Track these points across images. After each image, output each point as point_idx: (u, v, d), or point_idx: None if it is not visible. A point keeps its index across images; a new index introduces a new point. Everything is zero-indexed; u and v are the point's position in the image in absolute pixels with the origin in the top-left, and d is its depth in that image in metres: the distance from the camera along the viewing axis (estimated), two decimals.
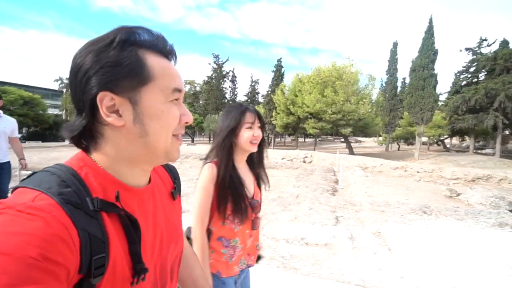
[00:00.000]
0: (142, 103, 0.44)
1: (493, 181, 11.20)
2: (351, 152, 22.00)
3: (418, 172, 12.46)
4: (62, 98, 39.45)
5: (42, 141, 24.10)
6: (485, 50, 24.04)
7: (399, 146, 34.33)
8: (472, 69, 24.29)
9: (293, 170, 12.15)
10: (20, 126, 25.76)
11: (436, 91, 18.32)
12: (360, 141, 48.86)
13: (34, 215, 0.35)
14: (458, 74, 25.32)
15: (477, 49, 24.33)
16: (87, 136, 0.46)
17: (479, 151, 27.40)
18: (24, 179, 0.42)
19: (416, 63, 18.28)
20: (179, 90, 0.48)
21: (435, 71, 18.05)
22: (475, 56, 23.87)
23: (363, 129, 19.49)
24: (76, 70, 0.42)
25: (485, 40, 23.91)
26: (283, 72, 29.29)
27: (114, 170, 0.47)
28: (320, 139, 53.37)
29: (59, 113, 38.79)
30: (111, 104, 0.43)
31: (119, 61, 0.42)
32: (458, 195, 8.36)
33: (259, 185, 1.26)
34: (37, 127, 28.42)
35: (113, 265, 0.41)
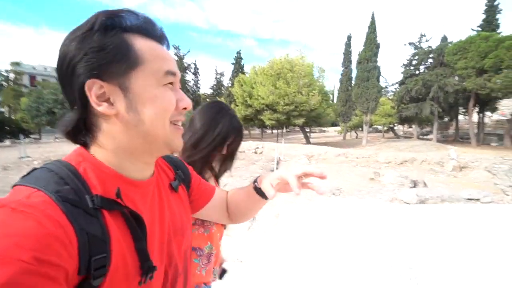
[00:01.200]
0: (133, 89, 0.42)
1: (416, 163, 12.57)
2: (308, 141, 22.99)
3: (357, 158, 13.52)
4: (1, 93, 35.36)
5: None
6: (424, 45, 26.27)
7: (357, 134, 36.52)
8: (414, 62, 26.44)
9: (240, 161, 12.50)
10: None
11: (380, 82, 19.75)
12: (324, 131, 50.94)
13: (27, 213, 0.33)
14: (403, 66, 27.39)
15: (418, 43, 26.47)
16: (82, 130, 0.44)
17: (424, 137, 30.24)
18: (24, 176, 0.41)
19: (361, 56, 19.50)
20: (173, 73, 0.45)
21: (378, 64, 19.40)
22: (416, 50, 25.96)
23: (316, 119, 20.43)
24: (62, 60, 0.40)
25: (424, 36, 26.07)
26: (243, 64, 29.33)
27: (115, 163, 0.44)
28: (288, 129, 54.97)
29: (1, 110, 34.94)
30: (101, 92, 0.40)
31: (102, 46, 0.39)
32: (380, 176, 9.32)
33: (218, 181, 1.09)
34: None
35: (116, 264, 0.39)
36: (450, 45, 21.86)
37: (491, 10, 23.86)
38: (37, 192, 0.36)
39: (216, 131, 0.94)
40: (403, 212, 4.82)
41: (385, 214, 4.61)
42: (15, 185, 0.39)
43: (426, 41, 26.27)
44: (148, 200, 0.48)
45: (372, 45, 19.06)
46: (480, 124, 24.09)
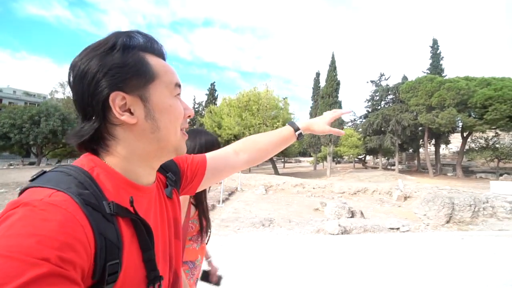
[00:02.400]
0: (152, 100, 0.46)
1: (368, 192, 13.04)
2: (276, 172, 23.24)
3: (313, 188, 13.80)
4: None
5: None
6: (384, 83, 28.82)
7: (330, 164, 37.47)
8: (376, 98, 28.67)
9: None
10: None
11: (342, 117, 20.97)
12: (300, 161, 51.91)
13: (51, 212, 0.33)
14: (366, 101, 29.54)
15: (378, 81, 29.00)
16: (96, 140, 0.45)
17: (391, 167, 31.69)
18: (35, 178, 0.40)
19: (323, 91, 20.93)
20: (179, 85, 0.51)
21: (339, 99, 20.81)
22: (376, 88, 28.33)
23: (282, 151, 20.91)
24: (82, 76, 0.43)
25: (383, 75, 28.74)
26: (217, 95, 30.22)
27: (126, 170, 0.47)
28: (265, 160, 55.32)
29: None
30: (123, 103, 0.44)
31: (125, 63, 0.43)
32: (324, 207, 9.53)
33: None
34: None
35: (126, 272, 0.39)
36: (403, 84, 24.17)
37: (436, 57, 27.14)
38: (59, 193, 0.36)
39: (195, 149, 1.10)
40: (324, 243, 4.94)
41: (306, 245, 4.70)
42: (28, 187, 0.39)
43: (385, 79, 28.92)
44: (153, 206, 0.51)
45: (332, 82, 20.65)
46: (438, 155, 25.82)
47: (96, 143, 0.45)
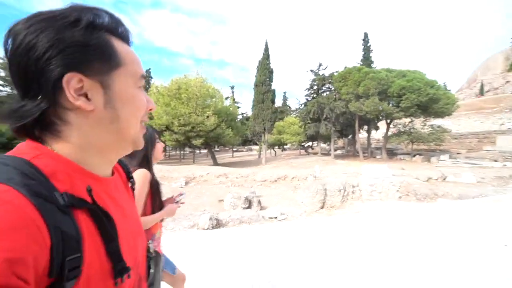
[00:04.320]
0: (115, 87, 0.42)
1: (288, 179, 13.38)
2: (215, 162, 22.67)
3: (236, 178, 13.61)
4: None
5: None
6: (322, 73, 29.89)
7: (275, 152, 38.30)
8: (315, 87, 29.66)
9: None
10: None
11: (275, 104, 21.13)
12: (252, 149, 52.24)
13: None
14: (306, 90, 30.42)
15: (317, 71, 29.95)
16: (41, 124, 0.39)
17: (334, 153, 33.65)
18: None
19: (257, 79, 20.69)
20: (144, 77, 0.48)
21: (272, 87, 20.82)
22: (315, 77, 29.27)
23: (217, 139, 20.35)
24: (28, 47, 0.36)
25: (321, 64, 29.74)
26: (153, 83, 28.04)
27: (79, 159, 0.42)
28: (217, 149, 54.61)
29: None
30: (79, 86, 0.39)
31: (88, 42, 0.39)
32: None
33: None
34: None
35: (89, 265, 0.36)
36: (335, 73, 25.31)
37: (367, 49, 28.98)
38: (0, 185, 0.31)
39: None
40: (191, 239, 4.50)
41: (174, 242, 4.19)
42: None
43: (323, 69, 30.00)
44: (113, 198, 0.47)
45: (265, 70, 20.51)
46: (369, 140, 28.06)
47: (41, 127, 0.40)
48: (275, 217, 6.30)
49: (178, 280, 1.61)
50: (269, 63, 20.91)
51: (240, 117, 43.04)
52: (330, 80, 26.53)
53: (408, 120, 24.48)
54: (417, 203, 6.75)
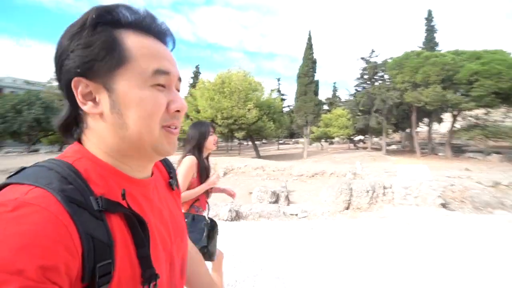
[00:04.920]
0: (117, 90, 0.39)
1: (326, 175, 12.80)
2: (257, 154, 23.15)
3: (273, 171, 13.67)
4: None
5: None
6: (375, 60, 27.29)
7: (322, 146, 37.00)
8: (366, 76, 27.35)
9: None
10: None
11: (318, 96, 20.30)
12: (298, 142, 51.62)
13: (28, 213, 0.30)
14: (356, 80, 28.28)
15: (369, 58, 27.47)
16: (74, 126, 0.42)
17: (388, 148, 30.89)
18: (12, 175, 0.37)
19: (300, 70, 20.09)
20: (165, 73, 0.41)
21: (315, 78, 19.98)
22: (366, 65, 26.92)
23: (258, 132, 20.66)
24: (54, 55, 0.40)
25: (374, 51, 27.12)
26: (200, 78, 29.78)
27: (113, 162, 0.42)
28: (264, 141, 55.45)
29: None
30: (87, 90, 0.39)
31: (89, 43, 0.38)
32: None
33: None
34: None
35: (120, 272, 0.37)
36: (389, 60, 22.78)
37: (430, 30, 25.20)
38: (37, 189, 0.32)
39: (196, 136, 1.83)
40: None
41: None
42: (4, 185, 0.34)
43: (376, 56, 27.35)
44: (150, 200, 0.46)
45: (308, 60, 19.72)
46: (430, 135, 24.83)
47: (75, 129, 0.42)
48: (296, 214, 6.20)
49: (218, 256, 1.84)
50: (312, 53, 20.04)
51: (287, 109, 42.61)
52: (383, 68, 24.08)
53: (482, 111, 20.71)
54: (468, 214, 5.83)
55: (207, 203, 1.89)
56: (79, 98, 0.39)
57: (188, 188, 1.74)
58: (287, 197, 8.19)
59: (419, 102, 20.59)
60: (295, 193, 9.44)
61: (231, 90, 18.99)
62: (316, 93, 20.11)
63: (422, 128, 26.60)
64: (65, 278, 0.30)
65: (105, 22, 0.39)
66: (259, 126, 20.04)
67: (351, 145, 34.83)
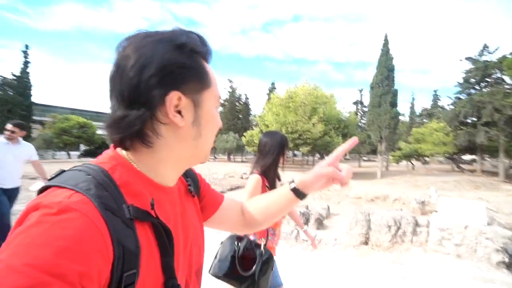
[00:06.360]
0: (203, 107, 0.46)
1: (389, 200, 10.78)
2: None
3: (328, 190, 12.62)
4: None
5: (94, 158, 29.30)
6: (488, 59, 21.42)
7: (413, 165, 31.37)
8: (472, 80, 21.80)
9: (215, 186, 13.79)
10: (77, 145, 32.50)
11: (396, 108, 17.59)
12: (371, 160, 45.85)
13: (70, 218, 0.31)
14: (457, 86, 22.89)
15: (479, 57, 21.83)
16: (137, 134, 0.42)
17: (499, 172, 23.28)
18: (53, 177, 0.39)
19: (373, 80, 18.07)
20: (220, 97, 0.53)
21: (394, 87, 17.49)
22: (473, 66, 21.50)
23: (325, 148, 19.67)
24: (144, 64, 0.41)
25: (487, 47, 21.35)
26: (273, 94, 31.06)
27: (155, 170, 0.45)
28: (347, 157, 51.63)
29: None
30: (176, 104, 0.43)
31: (190, 64, 0.44)
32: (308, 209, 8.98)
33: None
34: (90, 146, 34.41)
35: (143, 280, 0.37)
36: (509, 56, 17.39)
37: None
38: (78, 195, 0.34)
39: (271, 145, 1.63)
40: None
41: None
42: (48, 186, 0.37)
43: (489, 53, 21.42)
44: (174, 208, 0.49)
45: (383, 68, 17.48)
46: None
47: (135, 137, 0.43)
48: (306, 240, 5.69)
49: None
50: (389, 59, 17.66)
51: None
52: (496, 69, 18.62)
53: None
54: None
55: (273, 230, 1.59)
56: (171, 110, 0.42)
57: None
58: (318, 221, 7.55)
59: None
60: (337, 217, 8.55)
61: (296, 104, 19.01)
62: (393, 104, 17.52)
63: None
64: (96, 285, 0.31)
65: (195, 49, 0.46)
66: (326, 141, 19.09)
67: (456, 167, 27.92)
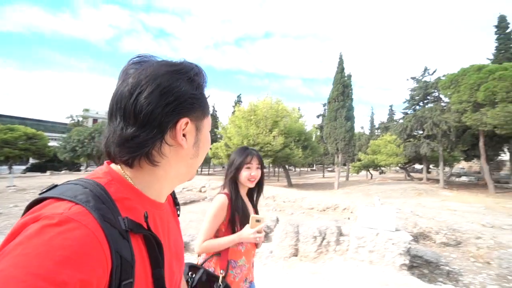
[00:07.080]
0: (203, 131, 0.53)
1: (338, 210, 11.30)
2: (289, 182, 22.44)
3: (283, 201, 12.88)
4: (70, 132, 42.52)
5: (42, 173, 24.90)
6: (428, 79, 24.06)
7: (371, 174, 33.36)
8: (416, 98, 24.21)
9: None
10: (23, 159, 28.77)
11: (352, 122, 18.79)
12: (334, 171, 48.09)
13: (71, 229, 0.32)
14: (405, 102, 25.24)
15: (421, 78, 24.41)
16: (145, 154, 0.45)
17: (456, 179, 25.80)
18: (46, 190, 0.40)
19: (330, 96, 19.20)
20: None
21: (347, 103, 18.72)
22: (416, 85, 23.94)
23: (286, 160, 20.15)
24: (164, 91, 0.45)
25: (428, 69, 24.02)
26: (236, 107, 31.35)
27: (150, 187, 0.48)
28: (313, 168, 53.26)
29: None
30: (183, 128, 0.48)
31: (198, 96, 0.50)
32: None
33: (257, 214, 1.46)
34: (40, 159, 31.02)
35: None
36: (442, 78, 19.73)
37: (503, 38, 21.10)
38: (78, 206, 0.36)
39: (233, 163, 1.44)
40: None
41: None
42: (44, 198, 0.37)
43: (430, 74, 24.11)
44: (164, 223, 0.52)
45: (338, 85, 18.74)
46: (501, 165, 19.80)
47: (143, 157, 0.46)
48: None
49: None
50: (344, 77, 19.00)
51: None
52: (434, 88, 20.98)
53: None
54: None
55: (235, 263, 1.33)
56: (179, 135, 0.48)
57: (216, 236, 1.33)
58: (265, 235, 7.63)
59: (483, 126, 16.87)
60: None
61: (258, 118, 19.35)
62: (348, 118, 18.70)
63: (481, 159, 21.29)
64: None
65: (201, 82, 0.53)
66: (286, 153, 19.56)
67: (407, 175, 30.27)
